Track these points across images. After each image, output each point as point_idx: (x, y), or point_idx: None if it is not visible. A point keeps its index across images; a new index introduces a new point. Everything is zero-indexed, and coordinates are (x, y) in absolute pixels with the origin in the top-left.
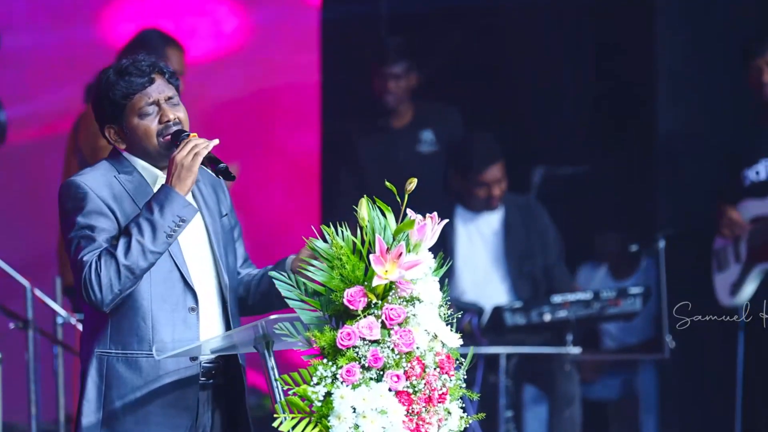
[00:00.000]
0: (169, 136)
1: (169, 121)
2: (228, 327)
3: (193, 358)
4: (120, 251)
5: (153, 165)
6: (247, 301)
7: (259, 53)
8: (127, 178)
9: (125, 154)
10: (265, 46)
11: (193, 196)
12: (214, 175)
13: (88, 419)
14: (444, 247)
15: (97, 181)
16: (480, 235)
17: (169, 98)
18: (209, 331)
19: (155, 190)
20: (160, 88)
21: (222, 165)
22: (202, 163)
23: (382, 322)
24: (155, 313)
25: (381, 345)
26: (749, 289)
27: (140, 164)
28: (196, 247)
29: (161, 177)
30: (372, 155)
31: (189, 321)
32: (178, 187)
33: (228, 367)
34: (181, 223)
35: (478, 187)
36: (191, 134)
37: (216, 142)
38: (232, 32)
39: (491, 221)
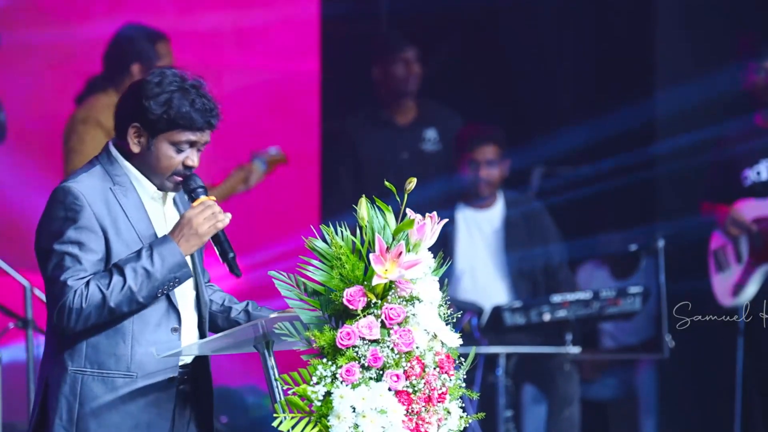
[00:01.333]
0: (181, 180)
1: (191, 166)
2: None
3: (171, 379)
4: (110, 292)
5: (148, 179)
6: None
7: (259, 51)
8: (122, 191)
9: (120, 161)
10: (265, 44)
11: (178, 211)
12: (219, 257)
13: None
14: (444, 247)
15: (94, 193)
16: (480, 234)
17: (204, 144)
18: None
19: (148, 207)
20: (206, 136)
21: (232, 255)
22: (211, 238)
23: (382, 322)
24: (136, 333)
25: (381, 344)
26: (752, 289)
27: (133, 174)
28: None
29: (153, 193)
30: (374, 153)
31: (171, 341)
32: (183, 248)
33: (201, 370)
34: (175, 283)
35: (469, 166)
36: (210, 197)
37: (229, 216)
38: (231, 30)
39: (492, 220)
